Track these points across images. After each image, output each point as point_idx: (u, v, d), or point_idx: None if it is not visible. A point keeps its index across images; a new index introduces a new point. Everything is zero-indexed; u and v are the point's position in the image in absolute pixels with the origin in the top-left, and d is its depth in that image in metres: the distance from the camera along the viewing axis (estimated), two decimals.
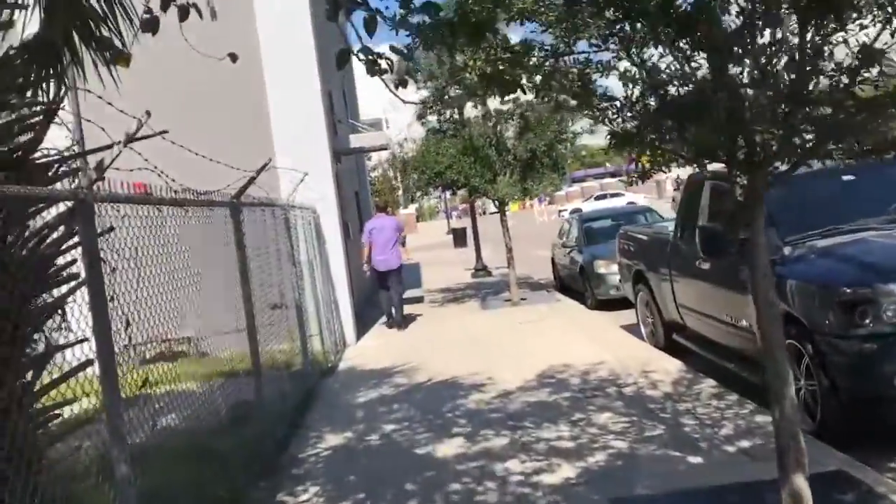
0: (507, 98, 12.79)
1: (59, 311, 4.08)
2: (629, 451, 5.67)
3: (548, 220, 49.23)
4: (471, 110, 14.37)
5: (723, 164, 3.42)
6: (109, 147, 4.41)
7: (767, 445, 4.95)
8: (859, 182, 6.36)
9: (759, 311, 3.47)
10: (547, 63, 3.50)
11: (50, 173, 3.89)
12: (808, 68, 3.08)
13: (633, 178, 3.80)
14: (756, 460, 5.14)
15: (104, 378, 3.41)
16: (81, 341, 4.10)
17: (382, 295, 13.39)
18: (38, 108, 4.39)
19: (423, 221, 71.35)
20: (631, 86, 3.43)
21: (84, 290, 4.01)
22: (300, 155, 11.13)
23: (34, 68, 4.33)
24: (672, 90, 3.39)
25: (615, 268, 13.09)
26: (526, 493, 5.10)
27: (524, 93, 3.57)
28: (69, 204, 3.68)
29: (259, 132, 11.46)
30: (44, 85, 4.30)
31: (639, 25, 3.25)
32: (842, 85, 3.04)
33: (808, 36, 3.05)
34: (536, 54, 3.47)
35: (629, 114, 3.50)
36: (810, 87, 3.11)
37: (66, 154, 4.13)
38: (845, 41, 3.04)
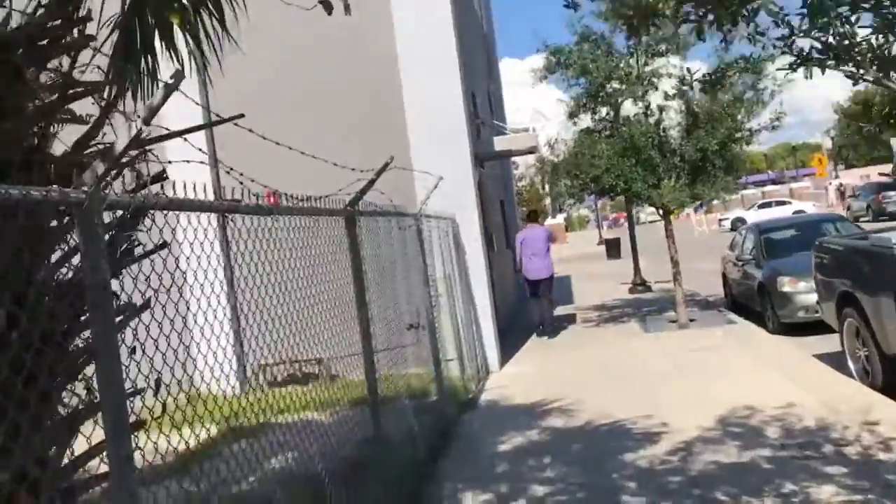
0: (672, 92, 11.09)
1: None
2: None
3: (707, 231, 46.26)
4: (629, 107, 12.83)
5: None
6: (168, 137, 3.37)
7: None
8: None
9: None
10: None
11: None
12: None
13: None
14: None
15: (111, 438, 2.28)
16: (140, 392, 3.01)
17: (532, 303, 13.50)
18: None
19: (573, 231, 69.32)
20: None
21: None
22: (438, 159, 10.02)
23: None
24: None
25: (804, 286, 11.20)
26: None
27: None
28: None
29: (393, 135, 10.44)
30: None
31: None
32: None
33: None
34: None
35: None
36: None
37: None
38: None
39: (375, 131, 10.50)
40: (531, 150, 13.49)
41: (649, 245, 20.47)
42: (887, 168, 75.17)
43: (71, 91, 3.32)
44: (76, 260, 2.95)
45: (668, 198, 12.02)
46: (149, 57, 3.51)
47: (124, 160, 2.93)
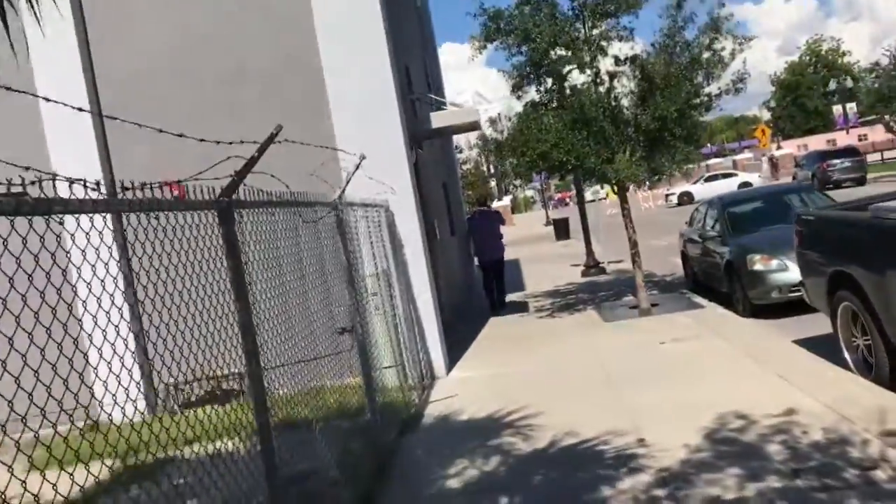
0: (623, 56, 9.79)
1: None
2: None
3: (654, 207, 45.71)
4: (577, 75, 11.65)
5: None
6: None
7: None
8: None
9: None
10: None
11: None
12: None
13: None
14: None
15: None
16: None
17: (486, 286, 14.18)
18: None
19: (519, 213, 68.36)
20: None
21: None
22: (367, 139, 8.70)
23: None
24: None
25: (776, 264, 10.23)
26: None
27: None
28: None
29: (315, 112, 9.08)
30: None
31: None
32: None
33: None
34: None
35: None
36: None
37: None
38: None
39: (295, 108, 9.14)
40: (473, 127, 12.22)
41: (596, 224, 19.53)
42: (823, 138, 76.12)
43: None
44: None
45: (623, 173, 10.86)
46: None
47: None
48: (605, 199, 38.54)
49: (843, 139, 66.45)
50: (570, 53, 11.28)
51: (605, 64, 11.49)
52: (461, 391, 8.29)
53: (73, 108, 3.25)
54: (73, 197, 2.47)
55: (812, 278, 7.61)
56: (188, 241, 3.58)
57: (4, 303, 2.15)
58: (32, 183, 2.29)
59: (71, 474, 2.60)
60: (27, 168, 2.35)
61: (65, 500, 2.79)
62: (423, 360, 9.02)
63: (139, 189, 3.08)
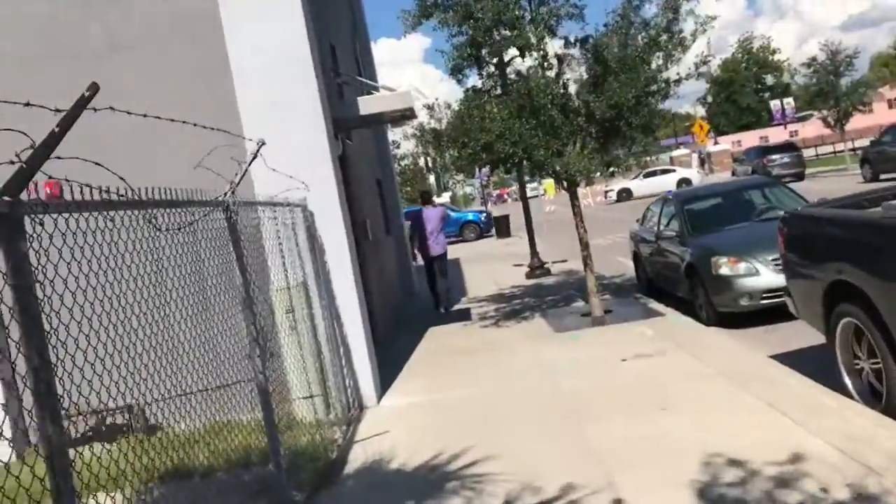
0: (574, 38, 8.48)
1: None
2: None
3: (592, 203, 44.94)
4: (523, 61, 10.46)
5: None
6: None
7: None
8: None
9: None
10: None
11: None
12: None
13: None
14: None
15: None
16: None
17: (430, 284, 14.10)
18: None
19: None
20: None
21: None
22: (279, 125, 7.37)
23: None
24: None
25: (745, 267, 9.22)
26: None
27: None
28: None
29: (217, 94, 7.69)
30: None
31: None
32: None
33: None
34: None
35: None
36: None
37: None
38: None
39: (193, 90, 7.73)
40: (407, 114, 10.91)
41: (539, 222, 18.47)
42: (756, 134, 77.00)
43: None
44: None
45: (575, 167, 9.70)
46: None
47: None
48: (544, 195, 37.63)
49: (776, 135, 67.30)
50: (515, 33, 10.07)
51: (554, 46, 10.35)
52: (394, 426, 6.98)
53: None
54: None
55: (801, 288, 6.53)
56: None
57: None
58: None
59: None
60: None
61: None
62: (350, 387, 7.69)
63: None
